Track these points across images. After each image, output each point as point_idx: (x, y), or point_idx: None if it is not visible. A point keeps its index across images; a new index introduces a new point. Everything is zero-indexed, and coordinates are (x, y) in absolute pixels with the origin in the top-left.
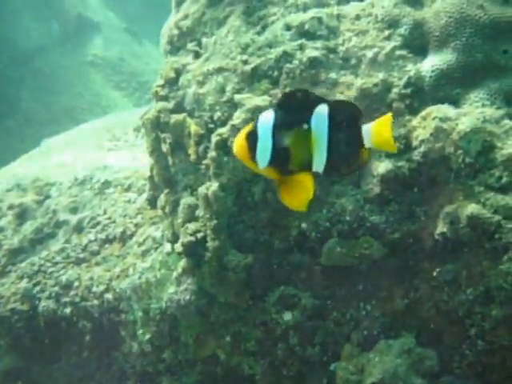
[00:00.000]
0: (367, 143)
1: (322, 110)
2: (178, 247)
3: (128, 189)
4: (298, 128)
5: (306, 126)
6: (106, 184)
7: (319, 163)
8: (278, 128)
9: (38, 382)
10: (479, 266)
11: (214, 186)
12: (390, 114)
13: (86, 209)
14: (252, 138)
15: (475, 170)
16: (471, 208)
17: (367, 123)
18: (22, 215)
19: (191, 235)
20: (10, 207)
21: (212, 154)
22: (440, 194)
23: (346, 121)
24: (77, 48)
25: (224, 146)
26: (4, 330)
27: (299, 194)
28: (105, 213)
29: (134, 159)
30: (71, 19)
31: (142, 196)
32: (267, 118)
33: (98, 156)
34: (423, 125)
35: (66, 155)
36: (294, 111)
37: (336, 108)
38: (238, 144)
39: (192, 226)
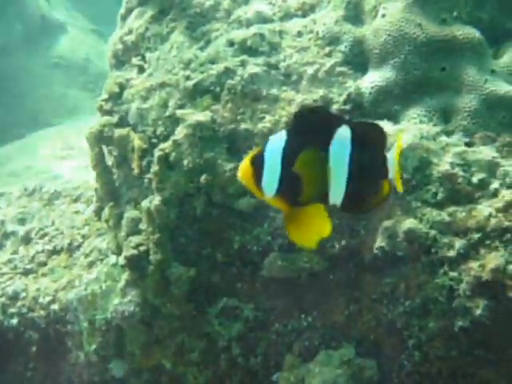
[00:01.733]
0: (391, 174)
1: (344, 133)
2: (121, 260)
3: (77, 199)
4: (312, 152)
5: (322, 154)
6: (55, 194)
7: (337, 195)
8: (289, 152)
9: None
10: (416, 279)
11: (156, 199)
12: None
13: (35, 220)
14: (258, 163)
15: (412, 185)
16: (408, 223)
17: (389, 150)
18: None
19: (134, 248)
20: None
21: (155, 168)
22: (378, 209)
23: (371, 147)
24: (41, 49)
25: (166, 161)
26: None
27: (310, 230)
28: (53, 224)
29: (86, 168)
30: (36, 20)
31: (90, 207)
32: (277, 140)
33: (49, 165)
34: None
35: (17, 164)
36: (310, 132)
37: (360, 131)
38: (243, 168)
39: (135, 240)
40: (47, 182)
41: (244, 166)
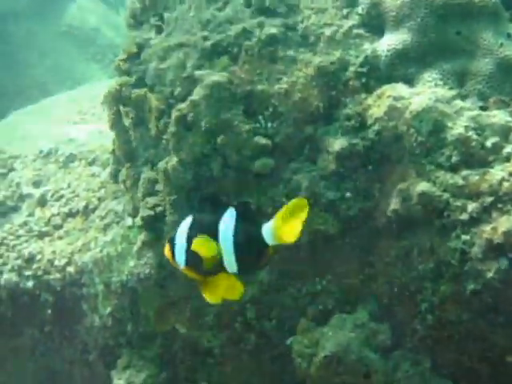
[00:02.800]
0: (270, 241)
1: (229, 214)
2: (138, 221)
3: (92, 162)
4: (205, 236)
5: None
6: (71, 157)
7: (230, 265)
8: (191, 233)
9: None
10: (429, 243)
11: (173, 160)
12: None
13: (50, 182)
14: (172, 242)
15: (427, 148)
16: (422, 186)
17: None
18: None
19: (150, 209)
20: None
21: (172, 129)
22: (394, 172)
23: (250, 223)
24: (50, 17)
25: (183, 122)
26: None
27: (224, 293)
28: (68, 186)
29: (100, 133)
30: None
31: (106, 170)
32: (185, 223)
33: (64, 129)
34: (378, 103)
35: (32, 128)
36: (208, 216)
37: (241, 211)
38: (166, 247)
39: (151, 200)
40: (62, 145)
41: (166, 246)
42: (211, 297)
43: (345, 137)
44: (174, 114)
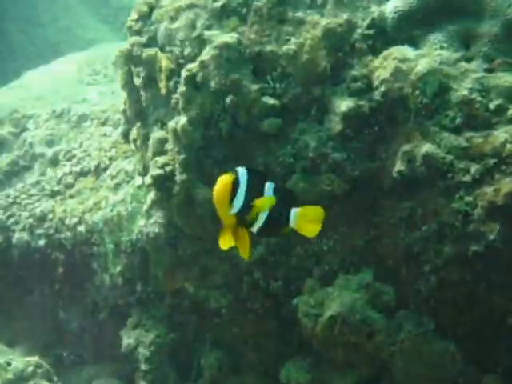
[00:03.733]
0: (291, 223)
1: (270, 186)
2: (148, 180)
3: (104, 122)
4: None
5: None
6: (83, 117)
7: (257, 226)
8: (250, 185)
9: (10, 313)
10: (433, 204)
11: (182, 120)
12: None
13: (63, 142)
14: (235, 185)
15: (432, 110)
16: (426, 147)
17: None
18: None
19: (160, 168)
20: None
21: (181, 88)
22: (399, 133)
23: (284, 203)
24: None
25: (193, 82)
26: None
27: (239, 245)
28: (80, 146)
29: (112, 93)
30: None
31: (117, 130)
32: (244, 174)
33: (76, 89)
34: (384, 65)
35: (45, 88)
36: (259, 180)
37: (281, 190)
38: (223, 184)
39: (161, 160)
40: (75, 105)
41: (224, 184)
42: (225, 244)
43: (351, 98)
44: (184, 73)
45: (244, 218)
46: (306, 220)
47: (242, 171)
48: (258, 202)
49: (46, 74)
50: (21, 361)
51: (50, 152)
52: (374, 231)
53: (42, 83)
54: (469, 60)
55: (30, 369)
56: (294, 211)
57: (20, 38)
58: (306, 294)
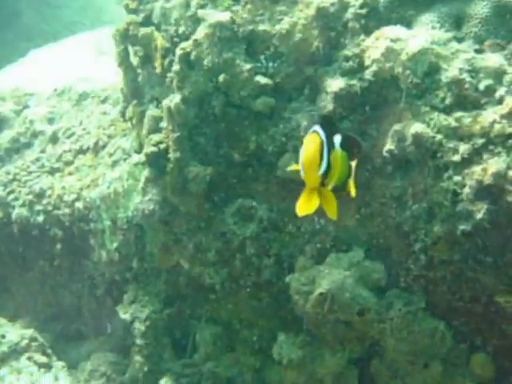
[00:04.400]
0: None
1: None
2: (141, 157)
3: (104, 100)
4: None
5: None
6: (84, 95)
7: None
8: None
9: (11, 290)
10: (423, 184)
11: (176, 98)
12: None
13: (63, 119)
14: (322, 148)
15: (422, 90)
16: (416, 127)
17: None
18: (0, 125)
19: (154, 146)
20: None
21: (176, 67)
22: (390, 113)
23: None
24: None
25: (187, 60)
26: None
27: (327, 205)
28: (80, 124)
29: (116, 73)
30: None
31: (117, 108)
32: (323, 134)
33: (81, 68)
34: (376, 45)
35: (49, 66)
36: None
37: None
38: (314, 147)
39: (155, 137)
40: (77, 83)
41: (315, 144)
42: (310, 207)
43: (343, 78)
44: (178, 52)
45: (325, 178)
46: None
47: (321, 131)
48: (335, 160)
49: (52, 53)
50: (15, 334)
51: (50, 129)
52: (366, 210)
53: (47, 61)
54: (460, 41)
55: (25, 342)
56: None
57: (36, 19)
58: (298, 271)
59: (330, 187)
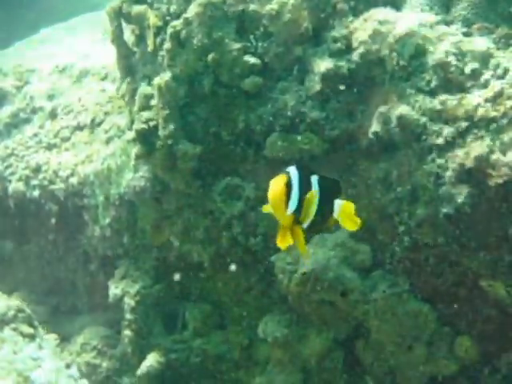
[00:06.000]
0: (335, 215)
1: (315, 179)
2: (131, 134)
3: (104, 78)
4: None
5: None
6: (84, 72)
7: (308, 222)
8: (301, 185)
9: (10, 263)
10: (408, 166)
11: (166, 76)
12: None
13: (63, 96)
14: (289, 187)
15: (408, 72)
16: (401, 109)
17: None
18: (1, 100)
19: (144, 123)
20: None
21: (166, 45)
22: (376, 95)
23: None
24: None
25: (177, 39)
26: None
27: (297, 243)
28: (79, 101)
29: None
30: None
31: (114, 85)
32: (295, 174)
33: (84, 46)
34: (363, 27)
35: (55, 44)
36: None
37: (325, 182)
38: (278, 188)
39: (145, 115)
40: (78, 61)
41: (279, 187)
42: (285, 243)
43: (331, 59)
44: (169, 30)
45: (299, 216)
46: (348, 213)
47: (293, 172)
48: (307, 199)
49: (61, 31)
50: (2, 305)
51: (49, 106)
52: (352, 191)
53: (55, 39)
54: (448, 23)
55: (11, 313)
56: (338, 203)
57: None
58: (283, 250)
59: (305, 225)
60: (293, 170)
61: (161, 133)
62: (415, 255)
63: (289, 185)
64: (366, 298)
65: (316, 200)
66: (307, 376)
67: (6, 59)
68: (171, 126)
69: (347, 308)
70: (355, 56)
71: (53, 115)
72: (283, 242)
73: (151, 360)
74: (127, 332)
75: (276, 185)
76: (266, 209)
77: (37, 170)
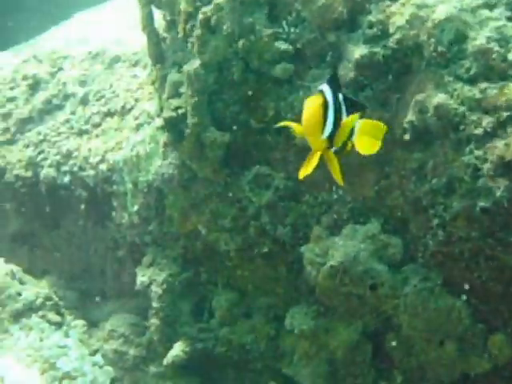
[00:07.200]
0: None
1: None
2: (160, 122)
3: (135, 64)
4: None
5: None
6: (116, 58)
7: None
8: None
9: (42, 247)
10: (444, 157)
11: (196, 63)
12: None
13: (95, 82)
14: (325, 108)
15: (447, 59)
16: (439, 98)
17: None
18: (35, 86)
19: (173, 110)
20: (24, 78)
21: (197, 32)
22: (413, 83)
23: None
24: None
25: (207, 25)
26: (10, 195)
27: (332, 169)
28: (110, 87)
29: None
30: None
31: (146, 71)
32: (329, 94)
33: (117, 31)
34: (401, 11)
35: (89, 29)
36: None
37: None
38: (314, 109)
39: (174, 102)
40: (110, 46)
41: (316, 107)
42: (308, 169)
43: (365, 45)
44: (199, 16)
45: (333, 140)
46: (366, 134)
47: (327, 90)
48: (344, 123)
49: (94, 16)
50: (31, 292)
51: (81, 92)
52: (385, 182)
53: (88, 25)
54: (491, 8)
55: (39, 301)
56: (358, 123)
57: None
58: (312, 241)
59: (333, 150)
60: (326, 89)
61: (189, 121)
62: (449, 249)
63: (325, 106)
64: (397, 293)
65: (353, 124)
66: (334, 369)
67: (41, 45)
68: (200, 114)
69: (376, 302)
70: (391, 42)
71: (84, 101)
72: (308, 167)
73: (177, 349)
74: (154, 320)
75: (313, 106)
76: (298, 131)
77: (68, 156)
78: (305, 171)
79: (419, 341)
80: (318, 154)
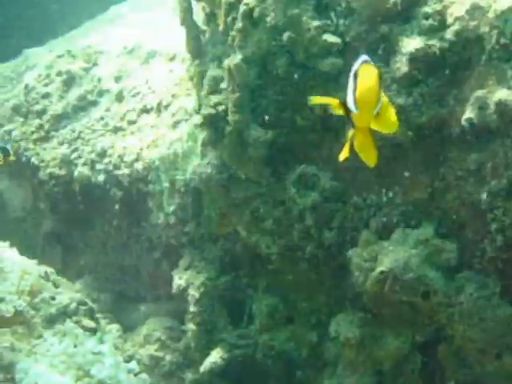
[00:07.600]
0: None
1: None
2: (199, 119)
3: (172, 59)
4: None
5: None
6: (152, 53)
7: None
8: None
9: (76, 248)
10: (504, 157)
11: (237, 58)
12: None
13: (130, 78)
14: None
15: (510, 52)
16: (501, 94)
17: None
18: (69, 82)
19: (212, 107)
20: (59, 74)
21: (238, 24)
22: (472, 77)
23: None
24: None
25: (250, 17)
26: (44, 194)
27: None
28: (146, 82)
29: None
30: None
31: (184, 66)
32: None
33: (152, 25)
34: (460, 1)
35: (124, 24)
36: None
37: None
38: (374, 83)
39: (214, 99)
40: (146, 41)
41: (374, 75)
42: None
43: (421, 37)
44: (241, 8)
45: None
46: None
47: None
48: (386, 101)
49: (130, 10)
50: (65, 296)
51: (116, 88)
52: (440, 183)
53: (123, 18)
54: None
55: (73, 305)
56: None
57: None
58: (360, 246)
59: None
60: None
61: (230, 118)
62: (508, 255)
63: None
64: (451, 301)
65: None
66: (381, 380)
67: (76, 40)
68: (241, 111)
69: (429, 311)
70: (449, 34)
71: (120, 98)
72: (352, 148)
73: (215, 356)
74: (191, 325)
75: (370, 77)
76: (338, 107)
77: (102, 154)
78: (345, 153)
79: (474, 353)
80: (367, 130)
